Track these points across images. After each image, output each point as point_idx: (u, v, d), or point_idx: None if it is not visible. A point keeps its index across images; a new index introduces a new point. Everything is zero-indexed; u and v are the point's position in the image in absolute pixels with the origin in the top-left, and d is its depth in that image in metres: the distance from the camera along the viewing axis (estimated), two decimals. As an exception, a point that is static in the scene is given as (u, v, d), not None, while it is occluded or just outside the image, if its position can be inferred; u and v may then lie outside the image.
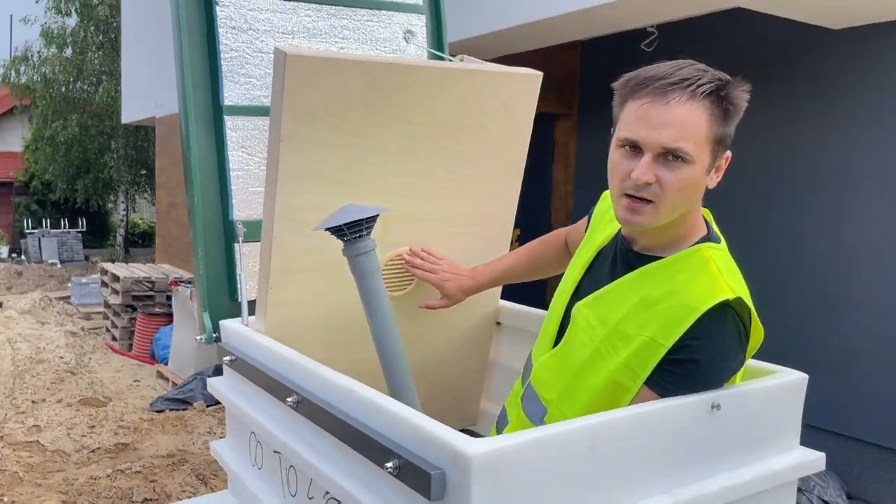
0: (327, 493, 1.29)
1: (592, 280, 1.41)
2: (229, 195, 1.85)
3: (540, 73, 1.78)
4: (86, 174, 15.83)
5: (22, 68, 15.58)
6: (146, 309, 7.13)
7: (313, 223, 1.56)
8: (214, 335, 1.79)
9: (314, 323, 1.71)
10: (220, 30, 1.83)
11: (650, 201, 1.23)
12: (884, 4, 3.65)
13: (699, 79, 1.20)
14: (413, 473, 1.03)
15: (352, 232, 1.44)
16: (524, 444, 1.01)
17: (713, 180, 1.29)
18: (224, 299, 1.86)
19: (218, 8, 1.83)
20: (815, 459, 1.32)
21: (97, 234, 17.86)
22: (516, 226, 6.13)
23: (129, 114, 10.70)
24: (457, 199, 1.81)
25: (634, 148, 1.23)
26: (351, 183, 1.63)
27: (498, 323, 2.07)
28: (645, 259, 1.32)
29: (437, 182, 1.75)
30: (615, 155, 1.27)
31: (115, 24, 14.39)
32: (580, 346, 1.32)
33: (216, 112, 1.86)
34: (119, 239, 16.08)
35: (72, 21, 15.53)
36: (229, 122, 1.85)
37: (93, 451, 4.34)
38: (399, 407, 1.12)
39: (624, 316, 1.26)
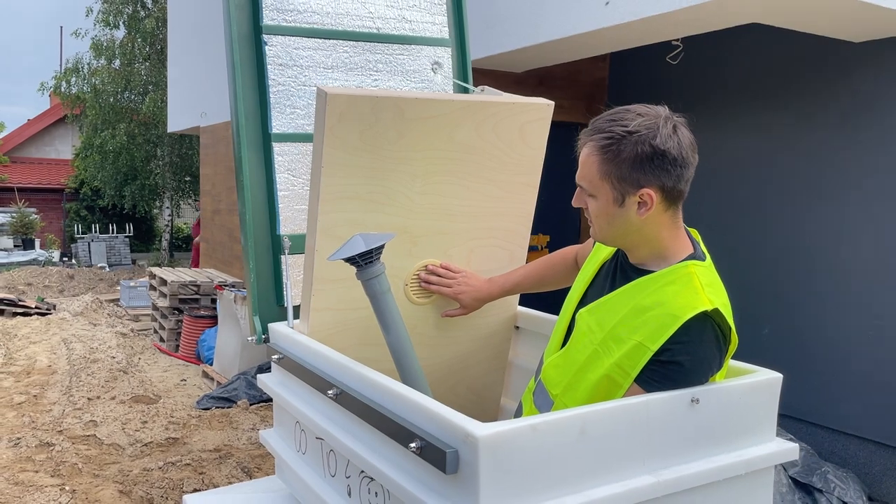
0: (362, 472, 1.50)
1: (595, 290, 1.61)
2: (277, 212, 2.08)
3: (551, 103, 1.97)
4: (133, 181, 16.41)
5: (73, 79, 16.22)
6: (192, 311, 7.47)
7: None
8: (264, 336, 2.03)
9: (351, 325, 1.93)
10: (268, 66, 2.07)
11: (591, 223, 1.56)
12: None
13: (599, 129, 1.48)
14: (432, 452, 1.24)
15: (363, 260, 1.65)
16: (524, 428, 1.21)
17: (641, 213, 1.48)
18: (272, 304, 2.10)
19: (267, 47, 2.07)
20: (788, 449, 1.49)
21: (143, 239, 18.48)
22: (546, 233, 6.32)
23: (175, 123, 11.13)
24: (478, 215, 2.02)
25: None
26: (383, 203, 1.85)
27: (517, 327, 2.27)
28: (639, 272, 1.51)
29: (459, 200, 1.96)
30: None
31: (161, 37, 14.93)
32: (582, 347, 1.52)
33: (265, 139, 2.09)
34: (164, 243, 16.61)
35: (120, 33, 16.15)
36: (276, 147, 2.08)
37: (145, 444, 4.64)
38: (420, 397, 1.33)
39: (619, 321, 1.45)
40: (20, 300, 9.54)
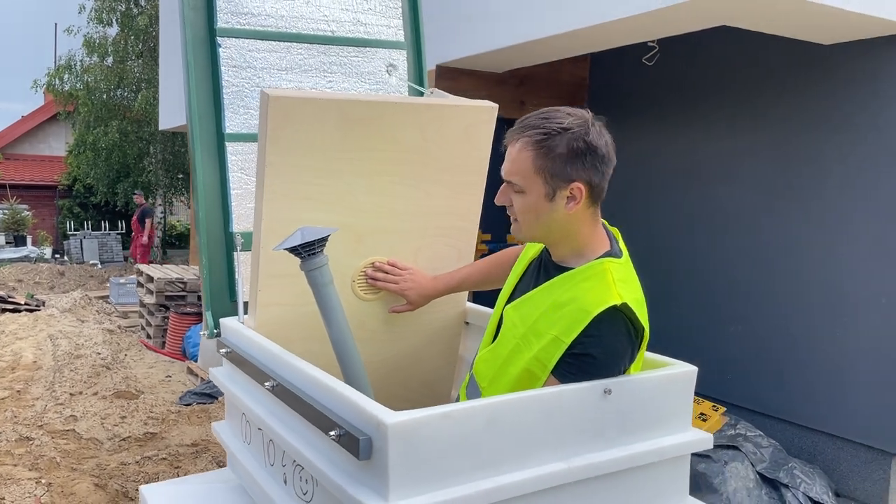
0: (294, 461, 1.57)
1: (522, 286, 1.68)
2: (230, 210, 2.14)
3: (495, 106, 2.03)
4: (125, 178, 16.46)
5: (65, 76, 16.25)
6: (178, 308, 7.52)
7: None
8: (216, 331, 2.09)
9: (298, 320, 1.99)
10: (222, 68, 2.13)
11: (514, 219, 1.60)
12: (872, 21, 3.81)
13: (532, 126, 1.52)
14: (349, 439, 1.30)
15: (306, 251, 1.71)
16: (433, 416, 1.27)
17: (570, 208, 1.54)
18: (225, 300, 2.16)
19: (221, 49, 2.13)
20: (703, 439, 1.56)
21: (136, 236, 18.50)
22: (486, 231, 6.33)
23: (167, 120, 11.16)
24: (424, 214, 2.08)
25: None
26: (328, 201, 1.90)
27: (466, 323, 2.33)
28: (560, 269, 1.58)
29: (405, 200, 2.02)
30: None
31: (154, 34, 14.97)
32: (506, 342, 1.58)
33: (219, 138, 2.15)
34: (156, 241, 16.66)
35: (113, 31, 16.18)
36: (230, 147, 2.14)
37: (123, 439, 4.70)
38: (344, 388, 1.40)
39: (539, 317, 1.52)
40: (9, 297, 9.58)
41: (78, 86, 15.98)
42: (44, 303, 9.79)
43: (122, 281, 10.14)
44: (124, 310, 9.55)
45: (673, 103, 5.32)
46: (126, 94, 15.98)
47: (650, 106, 5.51)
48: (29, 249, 14.15)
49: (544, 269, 1.64)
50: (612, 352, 1.47)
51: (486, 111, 2.02)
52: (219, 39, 2.12)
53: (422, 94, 2.38)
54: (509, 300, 1.70)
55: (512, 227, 1.62)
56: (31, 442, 4.57)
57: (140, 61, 15.82)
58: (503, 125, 5.61)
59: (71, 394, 5.63)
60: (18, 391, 5.76)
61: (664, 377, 1.53)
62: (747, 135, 4.81)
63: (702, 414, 4.40)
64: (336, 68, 2.29)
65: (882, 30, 3.96)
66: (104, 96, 15.74)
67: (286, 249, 1.70)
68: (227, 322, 2.02)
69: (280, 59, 2.21)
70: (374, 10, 2.35)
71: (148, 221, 13.24)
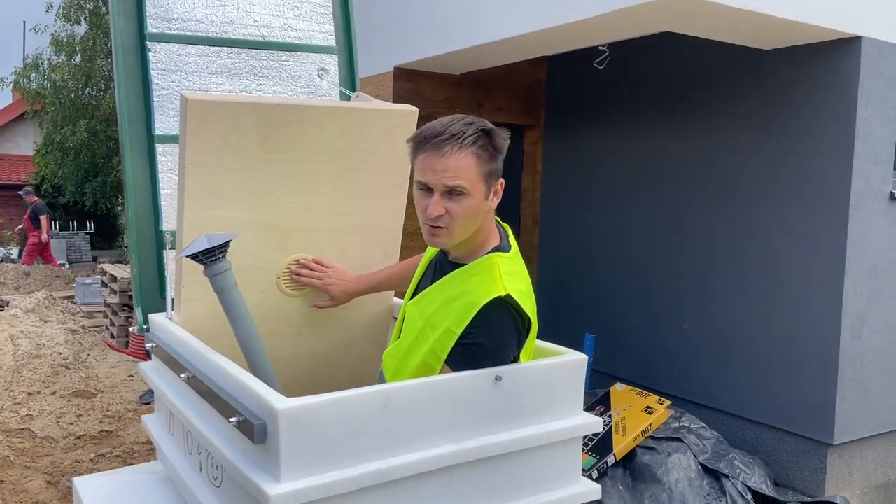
0: (207, 450, 1.64)
1: (423, 285, 1.77)
2: (160, 209, 2.21)
3: (415, 109, 2.12)
4: (94, 178, 16.29)
5: (33, 75, 16.06)
6: (140, 308, 7.51)
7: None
8: (146, 326, 2.16)
9: (222, 315, 2.05)
10: (152, 71, 2.20)
11: (444, 227, 1.60)
12: (806, 28, 3.95)
13: (465, 133, 1.57)
14: (246, 425, 1.38)
15: (207, 258, 1.76)
16: (324, 402, 1.36)
17: (494, 202, 1.66)
18: (155, 296, 2.22)
19: (151, 54, 2.19)
20: (593, 423, 1.66)
21: (105, 236, 18.36)
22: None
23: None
24: (348, 213, 2.16)
25: (427, 189, 1.60)
26: (249, 200, 1.98)
27: (394, 318, 2.42)
28: (455, 266, 1.67)
29: (327, 199, 2.10)
30: (416, 194, 1.65)
31: (122, 33, 14.83)
32: (407, 336, 1.68)
33: (150, 140, 2.22)
34: (126, 240, 16.52)
35: (81, 29, 16.02)
36: (160, 148, 2.21)
37: (78, 437, 4.73)
38: (246, 377, 1.48)
39: (435, 311, 1.61)
40: (-28, 297, 9.51)
41: (46, 84, 15.81)
42: (7, 303, 9.72)
43: (87, 281, 10.10)
44: (89, 310, 9.51)
45: (623, 106, 5.46)
46: (95, 92, 15.83)
47: (603, 108, 5.64)
48: (-5, 249, 14.02)
49: (440, 266, 1.74)
50: (499, 340, 1.57)
51: (407, 115, 2.11)
52: (149, 44, 2.19)
53: (348, 97, 2.46)
54: (412, 298, 1.79)
55: (439, 234, 1.61)
56: (-16, 442, 4.58)
57: (108, 60, 15.69)
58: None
59: (28, 393, 5.63)
60: (-25, 391, 5.75)
61: (554, 365, 1.63)
62: (693, 137, 4.95)
63: (647, 407, 4.53)
64: (267, 72, 2.37)
65: (815, 36, 4.11)
66: (72, 95, 15.58)
67: (188, 257, 1.74)
68: (154, 318, 2.09)
69: (210, 63, 2.28)
70: (305, 16, 2.43)
71: (43, 219, 12.63)
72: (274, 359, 2.14)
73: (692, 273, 4.95)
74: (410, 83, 5.58)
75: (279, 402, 1.32)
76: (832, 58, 4.17)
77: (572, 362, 1.66)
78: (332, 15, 2.49)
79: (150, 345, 2.01)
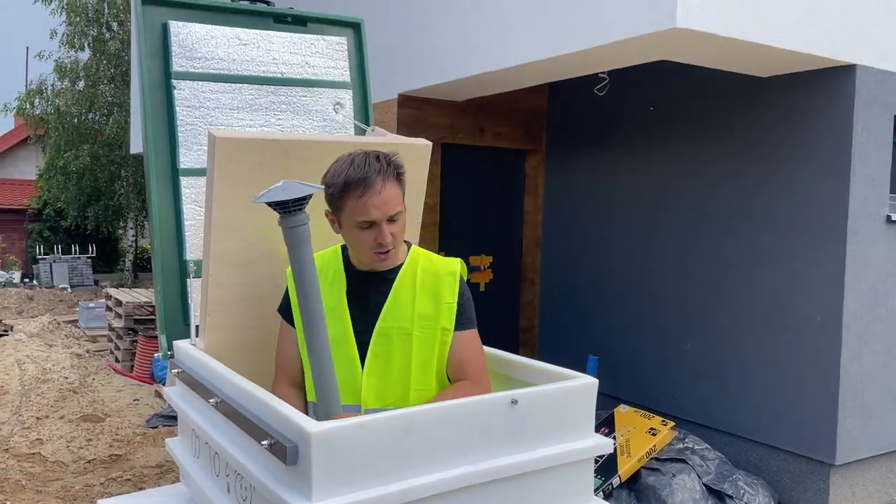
0: (235, 471, 1.72)
1: (362, 310, 1.90)
2: (183, 239, 2.30)
3: (429, 143, 2.22)
4: (96, 202, 16.44)
5: (36, 101, 16.27)
6: (147, 332, 7.58)
7: (241, 264, 2.01)
8: (169, 353, 2.24)
9: (246, 343, 2.14)
10: (177, 108, 2.30)
11: (391, 249, 1.87)
12: (801, 57, 4.07)
13: (383, 167, 1.83)
14: (278, 447, 1.46)
15: (295, 206, 1.73)
16: (351, 426, 1.44)
17: None
18: (179, 323, 2.31)
19: (176, 91, 2.29)
20: (604, 444, 1.73)
21: (108, 260, 18.44)
22: (489, 253, 6.53)
23: (139, 144, 11.18)
24: (364, 242, 2.24)
25: (370, 224, 1.83)
26: (271, 232, 2.06)
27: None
28: (391, 273, 1.91)
29: (345, 230, 2.18)
30: (356, 232, 1.85)
31: (126, 58, 15.07)
32: (397, 352, 1.85)
33: (174, 173, 2.31)
34: (128, 264, 16.62)
35: (85, 55, 16.25)
36: (184, 181, 2.30)
37: (89, 461, 4.78)
38: (275, 401, 1.56)
39: (414, 307, 1.85)
40: (-23, 322, 9.57)
41: (49, 110, 15.99)
42: (11, 328, 9.77)
43: (91, 305, 10.16)
44: (93, 334, 9.57)
45: (624, 131, 5.57)
46: (97, 117, 16.02)
47: (604, 133, 5.76)
48: (-1, 274, 14.11)
49: (378, 282, 1.93)
50: (468, 289, 1.97)
51: (420, 149, 2.21)
52: (174, 82, 2.29)
53: (363, 130, 2.56)
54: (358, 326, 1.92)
55: (387, 256, 1.87)
56: (-4, 466, 4.63)
57: (112, 85, 15.90)
58: (466, 152, 5.74)
59: (37, 417, 5.68)
60: (-16, 416, 5.80)
61: (567, 389, 1.71)
62: (692, 162, 5.06)
63: (651, 429, 4.59)
64: (285, 107, 2.47)
65: (812, 64, 4.23)
66: (75, 120, 15.77)
67: (269, 204, 1.70)
68: (179, 344, 2.17)
69: (231, 99, 2.38)
70: (321, 53, 2.54)
71: None
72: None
73: (693, 295, 5.03)
74: (414, 109, 5.70)
75: (310, 425, 1.40)
76: (828, 85, 4.29)
77: (584, 386, 1.74)
78: (346, 52, 2.60)
79: (176, 370, 2.09)
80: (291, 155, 2.00)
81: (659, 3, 3.61)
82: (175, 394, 2.13)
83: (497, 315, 6.44)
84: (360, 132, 2.59)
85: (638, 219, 5.43)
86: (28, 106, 16.23)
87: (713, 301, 4.91)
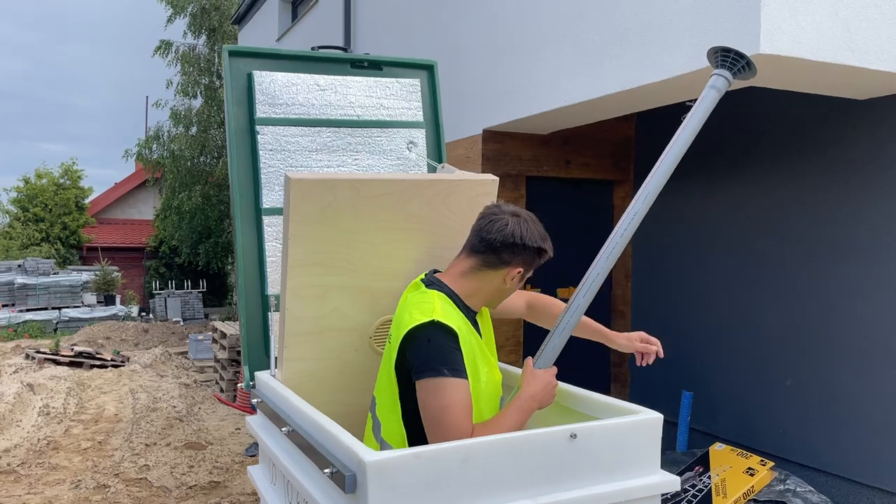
0: (305, 499, 1.78)
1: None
2: (265, 275, 2.43)
3: (496, 179, 2.26)
4: (207, 239, 17.36)
5: (154, 146, 17.43)
6: (247, 363, 7.90)
7: (316, 299, 2.11)
8: (252, 383, 2.35)
9: (322, 374, 2.23)
10: (260, 152, 2.44)
11: None
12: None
13: None
14: (338, 476, 1.51)
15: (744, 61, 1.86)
16: (407, 456, 1.47)
17: None
18: (262, 355, 2.42)
19: (259, 136, 2.44)
20: (670, 481, 1.69)
21: (217, 294, 19.40)
22: (577, 286, 6.47)
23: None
24: (434, 276, 2.30)
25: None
26: (344, 267, 2.16)
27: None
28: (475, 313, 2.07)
29: (415, 263, 2.25)
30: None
31: (233, 105, 15.90)
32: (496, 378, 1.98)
33: (257, 213, 2.45)
34: (235, 298, 17.40)
35: (197, 103, 17.33)
36: (266, 220, 2.44)
37: (190, 487, 5.01)
38: (339, 431, 1.61)
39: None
40: (97, 353, 10.26)
41: (165, 154, 17.08)
42: (128, 359, 10.41)
43: (199, 337, 10.70)
44: (201, 364, 10.06)
45: (713, 159, 5.43)
46: (208, 160, 16.98)
47: (693, 161, 5.60)
48: (118, 308, 15.06)
49: (473, 320, 2.04)
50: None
51: (487, 184, 2.25)
52: (257, 127, 2.44)
53: (434, 168, 2.63)
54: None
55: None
56: (107, 489, 4.93)
57: (221, 130, 16.84)
58: (550, 183, 5.76)
59: (146, 444, 6.01)
60: (100, 442, 6.20)
61: (629, 424, 1.69)
62: (784, 191, 4.87)
63: (749, 468, 4.38)
64: (361, 147, 2.58)
65: (913, 85, 4.02)
66: (188, 163, 16.76)
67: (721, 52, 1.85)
68: (260, 375, 2.28)
69: (310, 142, 2.51)
70: (395, 95, 2.64)
71: None
72: (354, 411, 2.28)
73: (794, 327, 4.80)
74: (498, 144, 5.78)
75: (367, 454, 1.45)
76: (931, 106, 4.05)
77: (648, 421, 1.71)
78: (419, 92, 2.69)
79: (255, 400, 2.20)
80: (361, 193, 2.08)
81: (741, 31, 3.54)
82: (255, 423, 2.24)
83: (586, 349, 6.34)
84: (433, 169, 2.66)
85: (733, 249, 5.25)
86: (147, 151, 17.39)
87: (816, 334, 4.66)
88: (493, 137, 5.77)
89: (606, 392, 6.46)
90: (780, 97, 4.67)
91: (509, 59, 5.40)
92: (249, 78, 2.48)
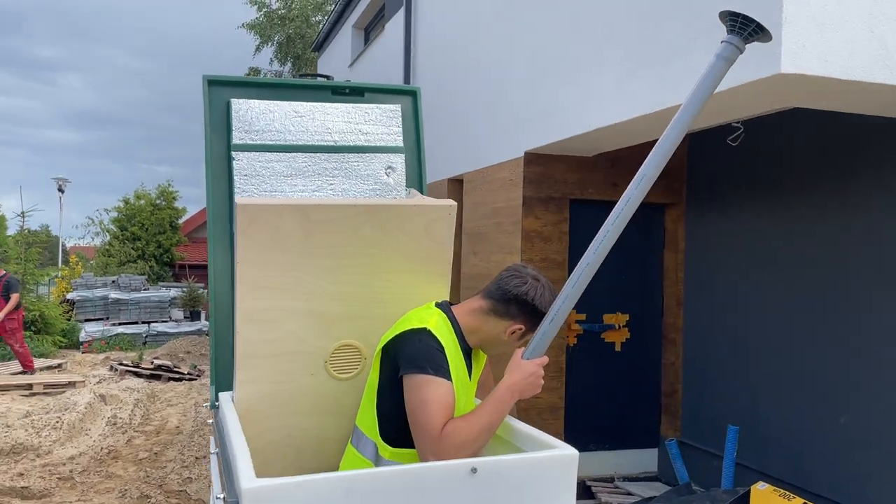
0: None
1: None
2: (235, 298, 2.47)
3: (454, 204, 2.23)
4: (288, 259, 17.94)
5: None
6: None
7: (271, 322, 2.14)
8: (217, 404, 2.40)
9: (276, 396, 2.24)
10: (235, 176, 2.51)
11: None
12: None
13: None
14: (229, 502, 1.52)
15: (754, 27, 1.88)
16: (289, 485, 1.46)
17: None
18: (230, 377, 2.46)
19: (234, 162, 2.51)
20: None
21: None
22: (626, 311, 6.26)
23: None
24: (391, 301, 2.28)
25: None
26: (296, 291, 2.18)
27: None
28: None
29: (368, 289, 2.24)
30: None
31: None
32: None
33: (231, 236, 2.51)
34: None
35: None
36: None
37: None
38: (240, 456, 1.62)
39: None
40: (175, 367, 10.73)
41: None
42: (203, 372, 10.84)
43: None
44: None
45: (766, 182, 5.18)
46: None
47: (745, 184, 5.38)
48: (202, 323, 15.70)
49: (466, 354, 2.13)
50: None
51: (444, 209, 2.23)
52: (233, 153, 2.51)
53: (418, 193, 2.62)
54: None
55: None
56: (148, 499, 5.13)
57: (303, 153, 17.44)
58: (597, 208, 5.69)
59: (196, 457, 6.22)
60: (156, 453, 6.46)
61: (539, 459, 1.61)
62: (839, 214, 4.57)
63: (791, 511, 4.11)
64: (337, 172, 2.61)
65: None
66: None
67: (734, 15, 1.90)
68: (223, 396, 2.32)
69: (285, 167, 2.56)
70: (374, 120, 2.66)
71: (14, 296, 10.47)
72: (324, 438, 2.29)
73: (851, 361, 4.48)
74: (541, 167, 5.71)
75: (247, 481, 1.45)
76: None
77: (560, 458, 1.63)
78: (399, 118, 2.70)
79: (210, 421, 2.24)
80: (311, 218, 2.10)
81: (761, 48, 3.38)
82: (212, 443, 2.28)
83: (636, 377, 6.14)
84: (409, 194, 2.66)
85: (786, 276, 4.97)
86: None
87: (873, 369, 4.33)
88: (535, 160, 5.71)
89: (657, 423, 6.20)
90: (831, 118, 4.42)
91: (548, 79, 5.35)
92: (228, 105, 2.55)
